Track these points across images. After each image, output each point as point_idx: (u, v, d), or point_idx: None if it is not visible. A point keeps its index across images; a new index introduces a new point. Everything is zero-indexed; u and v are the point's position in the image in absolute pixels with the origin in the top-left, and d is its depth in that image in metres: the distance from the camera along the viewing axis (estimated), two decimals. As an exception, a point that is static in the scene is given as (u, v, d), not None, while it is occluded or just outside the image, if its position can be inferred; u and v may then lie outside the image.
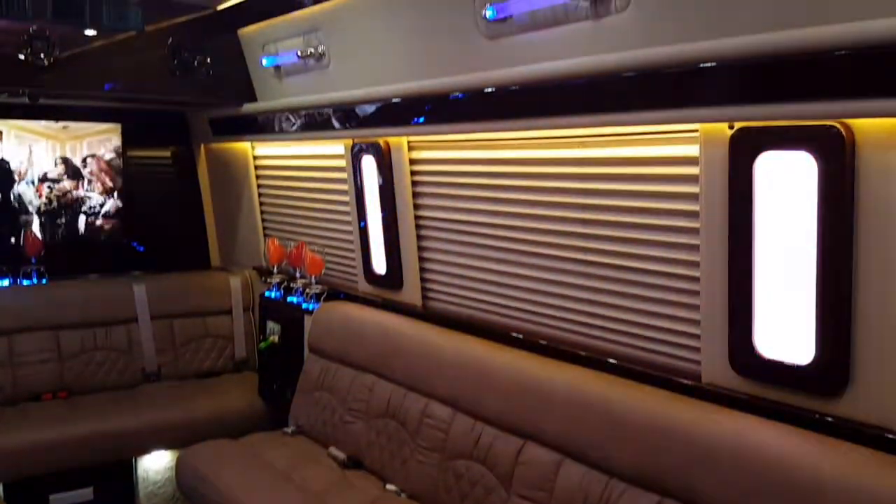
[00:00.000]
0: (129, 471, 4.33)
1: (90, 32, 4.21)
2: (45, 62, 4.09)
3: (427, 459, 3.17)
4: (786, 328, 2.23)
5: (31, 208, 4.90)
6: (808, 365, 2.18)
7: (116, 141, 5.18)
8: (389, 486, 3.31)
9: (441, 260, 3.67)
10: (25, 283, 4.70)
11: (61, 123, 5.00)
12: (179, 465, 3.86)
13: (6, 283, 4.64)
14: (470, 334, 3.42)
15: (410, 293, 3.83)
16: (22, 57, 4.03)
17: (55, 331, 4.57)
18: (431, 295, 3.78)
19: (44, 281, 4.75)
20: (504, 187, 3.28)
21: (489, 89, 2.90)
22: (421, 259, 3.76)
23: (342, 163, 4.15)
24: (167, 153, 5.60)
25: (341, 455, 3.58)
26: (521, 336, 3.25)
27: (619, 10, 2.30)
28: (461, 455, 3.03)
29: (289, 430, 3.99)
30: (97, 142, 5.14)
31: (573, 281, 3.03)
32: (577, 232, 2.96)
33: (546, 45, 2.63)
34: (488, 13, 2.75)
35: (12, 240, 4.82)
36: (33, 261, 4.74)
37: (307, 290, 4.41)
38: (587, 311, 3.00)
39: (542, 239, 3.12)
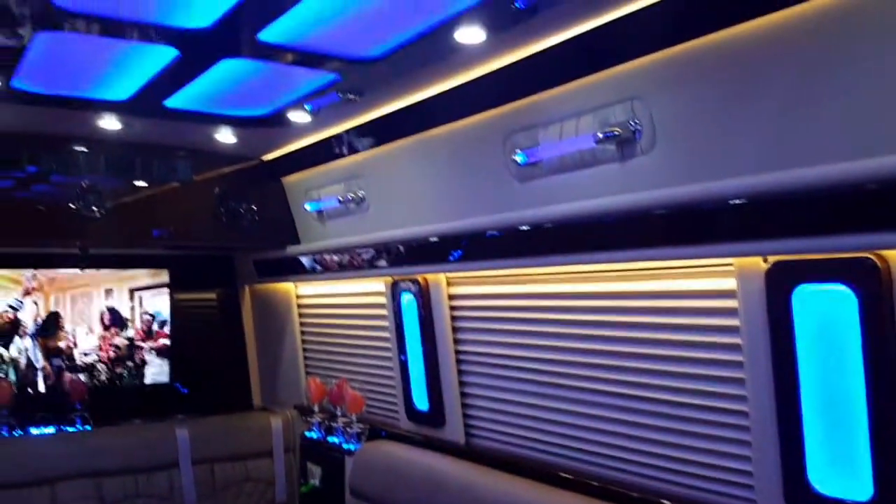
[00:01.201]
0: None
1: (140, 184, 4.46)
2: (97, 214, 4.30)
3: None
4: (841, 464, 2.14)
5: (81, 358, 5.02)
6: (868, 502, 2.07)
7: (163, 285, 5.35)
8: None
9: (483, 395, 3.62)
10: (69, 429, 4.73)
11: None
12: None
13: (51, 430, 4.68)
14: (515, 474, 3.31)
15: (453, 430, 3.76)
16: (73, 207, 4.26)
17: (97, 478, 4.53)
18: (474, 432, 3.71)
19: (87, 427, 4.77)
20: (543, 321, 3.28)
21: (523, 227, 2.97)
22: (463, 395, 3.72)
23: (382, 300, 4.21)
24: (213, 295, 5.74)
25: None
26: (569, 476, 3.13)
27: (645, 151, 2.38)
28: None
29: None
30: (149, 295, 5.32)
31: (619, 417, 2.95)
32: (619, 366, 2.92)
33: (576, 186, 2.73)
34: (519, 158, 2.87)
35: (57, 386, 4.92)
36: (77, 406, 4.79)
37: (348, 429, 4.36)
38: (635, 448, 2.90)
39: (585, 373, 3.08)
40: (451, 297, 3.69)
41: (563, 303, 3.17)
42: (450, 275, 3.66)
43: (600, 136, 2.51)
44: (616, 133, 2.47)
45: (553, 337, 3.23)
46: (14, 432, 4.53)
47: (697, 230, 2.30)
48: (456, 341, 3.70)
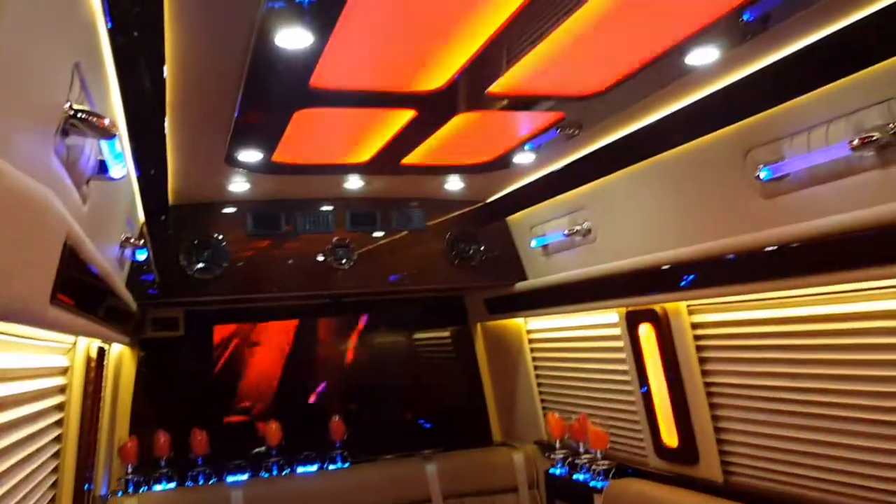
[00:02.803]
0: None
1: (377, 234, 4.78)
2: (345, 266, 4.67)
3: None
4: None
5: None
6: None
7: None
8: None
9: (740, 430, 3.39)
10: (331, 467, 5.10)
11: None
12: None
13: (314, 468, 5.07)
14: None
15: (708, 467, 3.55)
16: (322, 260, 4.65)
17: (357, 513, 4.84)
18: (733, 469, 3.47)
19: (346, 465, 5.11)
20: (801, 347, 3.01)
21: (770, 248, 2.77)
22: (717, 430, 3.50)
23: (617, 331, 4.12)
24: (447, 333, 5.98)
25: None
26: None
27: (916, 152, 2.13)
28: None
29: None
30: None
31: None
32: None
33: (829, 199, 2.52)
34: (763, 174, 2.71)
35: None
36: (338, 445, 5.15)
37: (593, 466, 4.29)
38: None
39: (853, 402, 2.78)
40: (695, 326, 3.52)
41: (821, 326, 2.90)
42: (690, 302, 3.50)
43: (855, 142, 2.30)
44: (874, 137, 2.26)
45: (814, 364, 2.96)
46: (283, 472, 4.97)
47: None
48: (704, 372, 3.51)
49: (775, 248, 2.74)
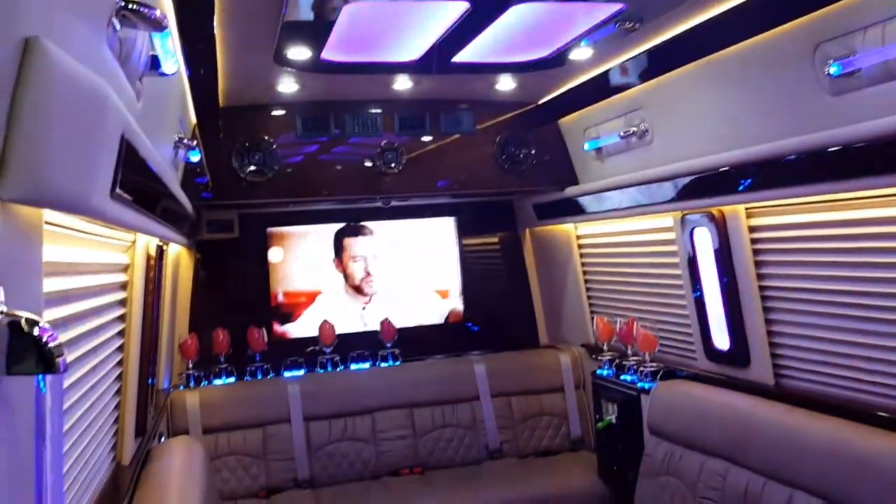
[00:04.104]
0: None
1: (426, 138, 4.73)
2: (395, 170, 4.65)
3: (798, 557, 2.84)
4: None
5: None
6: None
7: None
8: (756, 587, 3.03)
9: (795, 333, 3.35)
10: (383, 365, 5.24)
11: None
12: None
13: (367, 365, 5.22)
14: (831, 414, 3.06)
15: (760, 370, 3.54)
16: (371, 165, 4.64)
17: (410, 409, 5.00)
18: (785, 372, 3.46)
19: (398, 363, 5.25)
20: (858, 250, 2.93)
21: (835, 148, 2.65)
22: (770, 333, 3.47)
23: (670, 235, 4.05)
24: (495, 239, 5.98)
25: (696, 546, 3.38)
26: (889, 416, 2.83)
27: None
28: (840, 555, 2.68)
29: (636, 515, 3.87)
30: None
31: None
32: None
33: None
34: (832, 70, 2.56)
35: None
36: (389, 345, 5.28)
37: (641, 368, 4.32)
38: None
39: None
40: (752, 229, 3.44)
41: (885, 229, 2.79)
42: (749, 205, 3.41)
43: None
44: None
45: (870, 267, 2.89)
46: (338, 368, 5.13)
47: None
48: (759, 276, 3.45)
49: (840, 147, 2.62)
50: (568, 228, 5.25)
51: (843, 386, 3.16)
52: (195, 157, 3.92)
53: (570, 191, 4.75)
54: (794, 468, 2.99)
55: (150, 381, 3.30)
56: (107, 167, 1.54)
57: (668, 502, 3.68)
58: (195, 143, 3.66)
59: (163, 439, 4.06)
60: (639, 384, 4.26)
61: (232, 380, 4.91)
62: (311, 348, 5.18)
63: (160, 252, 3.46)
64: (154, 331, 3.38)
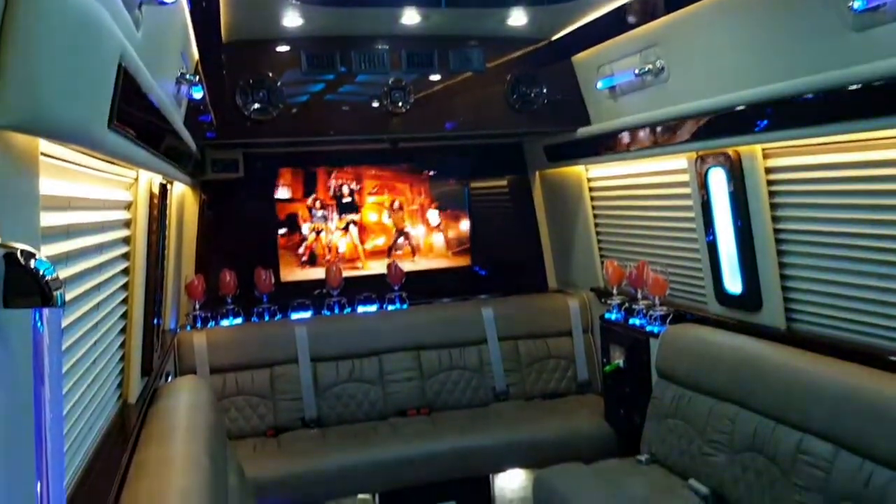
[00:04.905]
0: (486, 487, 4.55)
1: (435, 77, 4.60)
2: (403, 110, 4.54)
3: (805, 500, 2.83)
4: None
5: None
6: None
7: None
8: (761, 527, 3.04)
9: (808, 277, 3.29)
10: (390, 308, 5.23)
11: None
12: (536, 485, 3.95)
13: (374, 308, 5.21)
14: (841, 358, 3.03)
15: (772, 314, 3.50)
16: (379, 105, 4.53)
17: (417, 351, 5.00)
18: (797, 316, 3.41)
19: (405, 306, 5.24)
20: (876, 192, 2.85)
21: (854, 86, 2.55)
22: (783, 277, 3.41)
23: (684, 178, 3.97)
24: (504, 182, 5.89)
25: (703, 489, 3.38)
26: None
27: None
28: (849, 497, 2.66)
29: (642, 458, 3.87)
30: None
31: None
32: None
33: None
34: (856, 3, 2.45)
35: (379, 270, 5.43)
36: (396, 288, 5.25)
37: (650, 312, 4.28)
38: None
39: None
40: (769, 171, 3.35)
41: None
42: (766, 145, 3.31)
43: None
44: None
45: (888, 210, 2.81)
46: (345, 310, 5.12)
47: None
48: (774, 219, 3.37)
49: (861, 86, 2.52)
50: (579, 171, 5.15)
51: (856, 330, 3.11)
52: (198, 94, 3.83)
53: (583, 131, 4.64)
54: (805, 412, 2.97)
55: (155, 320, 3.28)
56: (104, 96, 1.49)
57: (675, 445, 3.69)
58: (198, 79, 3.57)
59: (170, 379, 4.08)
60: (648, 328, 4.23)
61: (239, 321, 4.91)
62: (318, 291, 5.16)
63: (164, 190, 3.41)
64: (159, 270, 3.35)
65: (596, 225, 5.18)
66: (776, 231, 3.39)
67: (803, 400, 3.00)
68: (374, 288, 5.27)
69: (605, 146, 4.43)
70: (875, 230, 2.90)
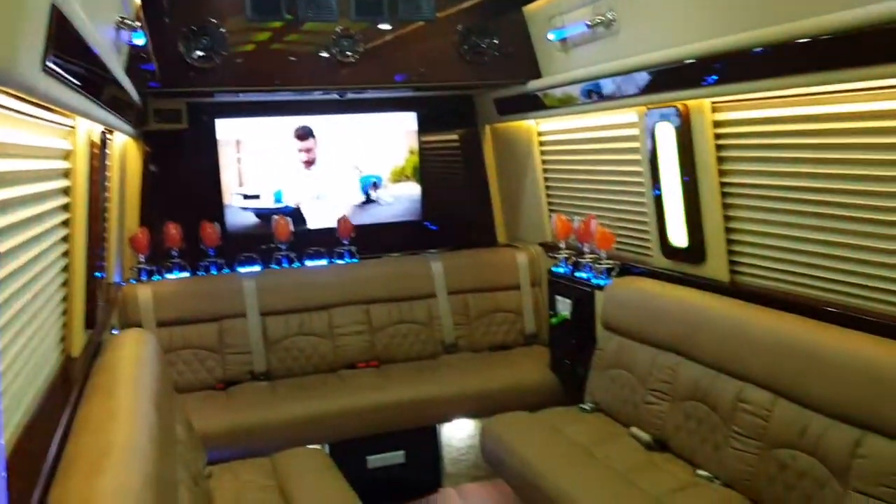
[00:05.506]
0: (434, 437, 4.62)
1: (384, 27, 4.52)
2: (353, 59, 4.46)
3: (744, 447, 2.95)
4: None
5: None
6: None
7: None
8: (700, 472, 3.15)
9: (751, 230, 3.37)
10: (339, 262, 5.19)
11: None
12: (483, 434, 4.03)
13: (325, 262, 5.17)
14: (783, 310, 3.13)
15: (715, 267, 3.59)
16: (328, 55, 4.43)
17: (366, 305, 5.00)
18: (740, 269, 3.51)
19: (355, 260, 5.21)
20: (821, 146, 2.92)
21: (802, 40, 2.58)
22: (728, 230, 3.49)
23: (633, 131, 4.00)
24: (455, 136, 5.86)
25: (645, 436, 3.49)
26: (837, 311, 2.92)
27: None
28: (785, 444, 2.77)
29: (587, 406, 3.97)
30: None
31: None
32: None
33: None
34: (807, -46, 2.46)
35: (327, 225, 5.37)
36: (345, 242, 5.21)
37: (597, 266, 4.35)
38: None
39: (873, 203, 2.73)
40: (717, 124, 3.39)
41: (851, 124, 2.76)
42: (715, 99, 3.35)
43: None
44: None
45: (832, 163, 2.88)
46: (293, 264, 5.07)
47: None
48: (721, 172, 3.43)
49: (808, 40, 2.56)
50: (529, 125, 5.15)
51: (795, 282, 3.22)
52: (139, 40, 3.70)
53: (533, 84, 4.63)
54: (744, 362, 3.07)
55: (99, 273, 3.20)
56: (35, 36, 1.42)
57: (618, 394, 3.79)
58: (140, 25, 3.44)
59: (115, 333, 4.00)
60: (594, 281, 4.30)
61: (186, 274, 4.83)
62: (266, 245, 5.09)
63: (104, 140, 3.30)
64: (101, 223, 3.26)
65: (546, 179, 5.21)
66: (722, 185, 3.46)
67: (743, 350, 3.10)
68: (322, 242, 5.22)
69: (554, 99, 4.43)
70: (816, 183, 2.98)
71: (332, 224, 5.22)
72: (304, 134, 5.25)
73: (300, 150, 5.27)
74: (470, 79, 4.79)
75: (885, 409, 2.47)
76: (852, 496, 2.48)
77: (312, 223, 5.33)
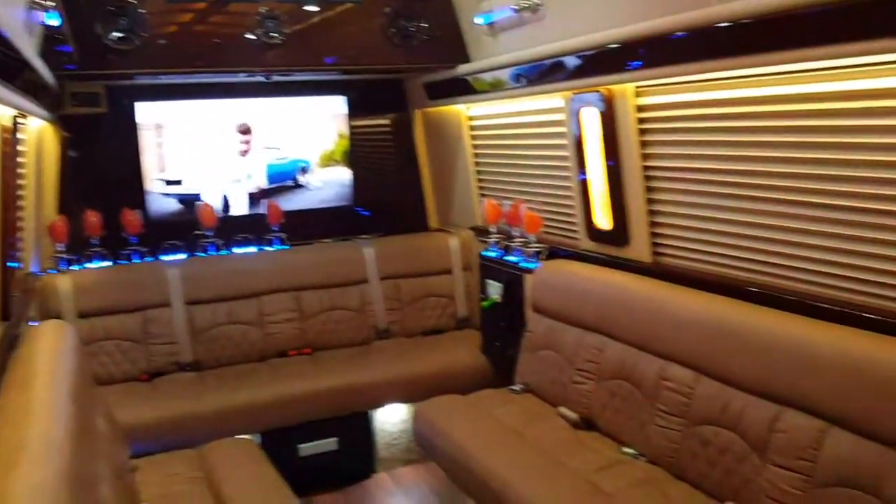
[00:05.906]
0: (367, 422, 4.61)
1: (311, 8, 4.45)
2: (279, 41, 4.37)
3: (668, 424, 3.04)
4: None
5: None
6: None
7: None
8: (626, 450, 3.23)
9: (673, 212, 3.47)
10: (268, 249, 5.12)
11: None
12: (415, 418, 4.04)
13: (254, 249, 5.08)
14: (704, 290, 3.23)
15: (638, 249, 3.68)
16: (254, 37, 4.34)
17: (297, 292, 4.94)
18: (662, 250, 3.60)
19: (285, 247, 5.14)
20: (741, 129, 3.00)
21: (723, 24, 2.65)
22: (650, 213, 3.58)
23: (560, 116, 4.06)
24: (386, 121, 5.82)
25: (572, 415, 3.56)
26: (759, 290, 3.03)
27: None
28: (708, 421, 2.86)
29: (516, 388, 4.03)
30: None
31: (818, 229, 2.75)
32: (831, 175, 2.65)
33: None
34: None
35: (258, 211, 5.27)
36: (275, 229, 5.13)
37: (526, 249, 4.41)
38: (834, 260, 2.72)
39: (791, 184, 2.83)
40: (640, 109, 3.46)
41: (768, 108, 2.85)
42: (639, 84, 3.42)
43: None
44: None
45: (751, 146, 2.97)
46: (221, 251, 4.97)
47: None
48: (644, 156, 3.51)
49: (729, 24, 2.62)
50: (459, 110, 5.17)
51: (717, 263, 3.31)
52: (53, 21, 3.55)
53: (462, 69, 4.63)
54: (667, 341, 3.16)
55: (13, 264, 3.07)
56: None
57: (546, 374, 3.86)
58: (54, 5, 3.30)
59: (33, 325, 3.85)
60: (523, 264, 4.35)
61: (107, 263, 4.67)
62: (192, 232, 4.97)
63: (16, 125, 3.16)
64: (14, 211, 3.13)
65: (476, 164, 5.24)
66: (645, 168, 3.54)
67: (666, 329, 3.19)
68: (251, 229, 5.13)
69: (483, 84, 4.44)
70: (736, 166, 3.06)
71: (248, 210, 5.12)
72: (247, 129, 5.16)
73: (241, 143, 5.16)
74: (399, 62, 4.76)
75: (802, 385, 2.55)
76: (771, 469, 2.57)
77: (234, 210, 5.21)
